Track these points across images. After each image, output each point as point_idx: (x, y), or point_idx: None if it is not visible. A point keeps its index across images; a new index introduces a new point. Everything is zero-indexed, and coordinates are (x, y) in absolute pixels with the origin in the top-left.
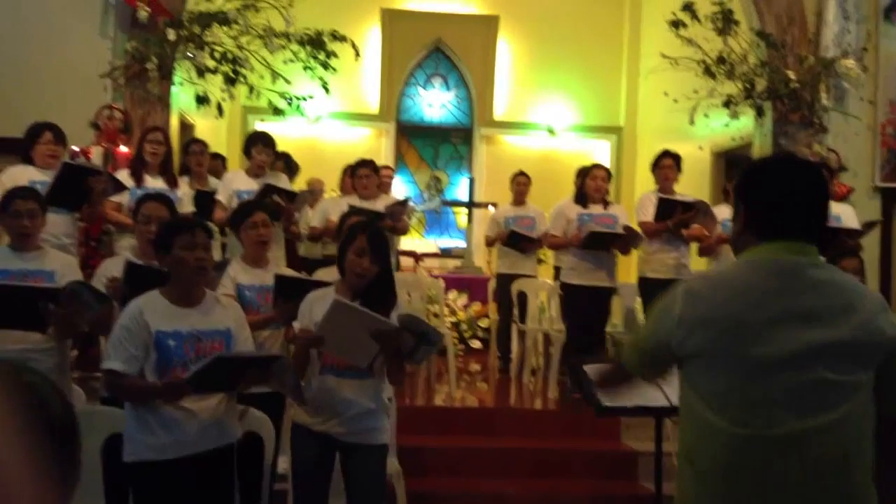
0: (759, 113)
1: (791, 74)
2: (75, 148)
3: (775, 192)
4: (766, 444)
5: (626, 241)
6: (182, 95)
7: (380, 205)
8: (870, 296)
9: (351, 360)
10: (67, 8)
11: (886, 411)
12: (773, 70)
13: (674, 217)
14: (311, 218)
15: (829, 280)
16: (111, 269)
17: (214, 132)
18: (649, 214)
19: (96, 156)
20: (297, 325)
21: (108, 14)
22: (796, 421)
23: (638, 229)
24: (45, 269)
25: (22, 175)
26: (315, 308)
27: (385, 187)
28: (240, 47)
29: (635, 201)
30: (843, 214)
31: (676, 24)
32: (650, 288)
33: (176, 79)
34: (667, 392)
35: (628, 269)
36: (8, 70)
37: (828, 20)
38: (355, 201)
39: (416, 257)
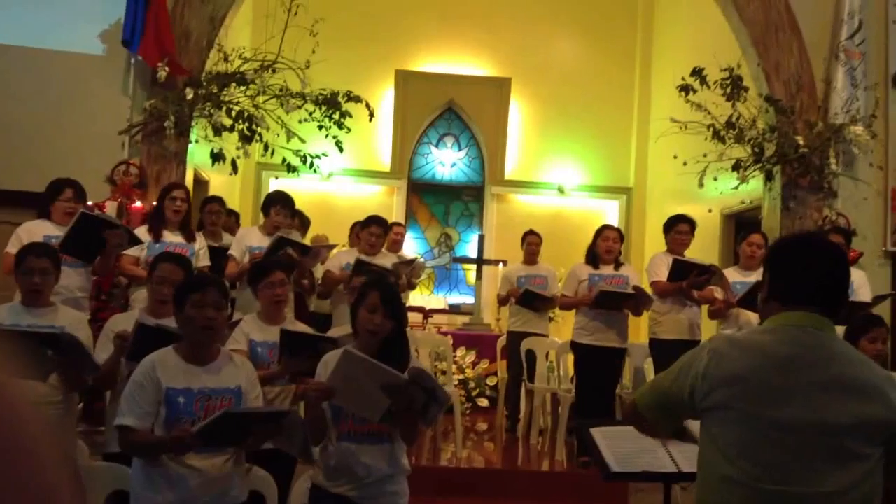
0: (769, 177)
1: (800, 139)
2: (90, 203)
3: (800, 265)
4: (782, 499)
5: (637, 301)
6: (198, 152)
7: (386, 262)
8: (881, 372)
9: (362, 414)
10: (91, 66)
11: (893, 486)
12: (782, 135)
13: (689, 279)
14: (318, 274)
15: (846, 353)
16: (121, 323)
17: (228, 188)
18: (662, 274)
19: (110, 210)
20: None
21: (129, 73)
22: (811, 484)
23: (648, 290)
24: (56, 326)
25: (38, 230)
26: (330, 368)
27: (396, 245)
28: (256, 107)
29: (644, 262)
30: (857, 281)
31: (685, 89)
32: (661, 349)
33: (192, 136)
34: (675, 457)
35: (639, 329)
36: (30, 125)
37: (836, 87)
38: (362, 256)
39: (425, 313)
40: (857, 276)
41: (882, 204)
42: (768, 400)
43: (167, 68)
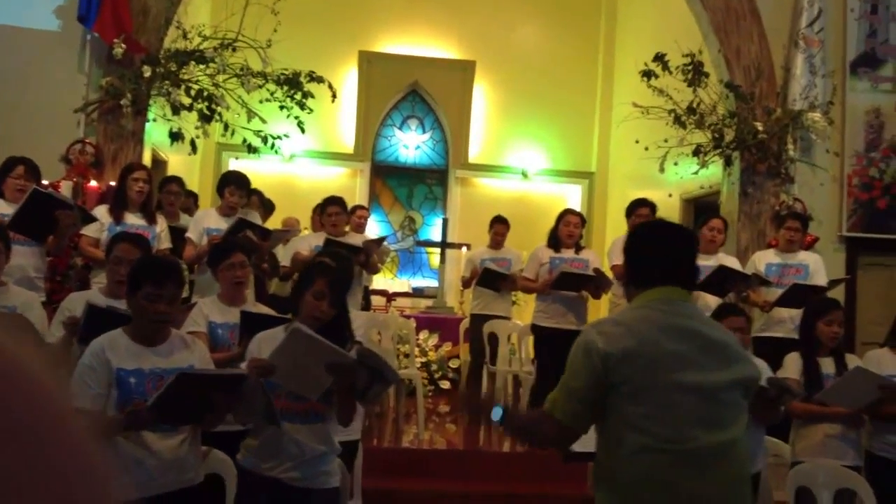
0: (728, 162)
1: (759, 126)
2: (45, 182)
3: (655, 248)
4: (683, 458)
5: (596, 284)
6: (155, 131)
7: (355, 241)
8: (733, 335)
9: (300, 392)
10: (46, 43)
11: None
12: (742, 121)
13: None
14: (283, 257)
15: (709, 320)
16: (76, 303)
17: (187, 168)
18: (622, 258)
19: (65, 189)
20: (243, 365)
21: (84, 50)
22: (714, 437)
23: (609, 274)
24: (7, 305)
25: None
26: (263, 347)
27: (360, 227)
28: (216, 85)
29: (606, 245)
30: (812, 264)
31: (648, 75)
32: None
33: (150, 115)
34: None
35: (598, 313)
36: None
37: (795, 74)
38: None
39: (388, 297)
40: (813, 261)
41: (838, 190)
42: (665, 366)
43: (124, 45)
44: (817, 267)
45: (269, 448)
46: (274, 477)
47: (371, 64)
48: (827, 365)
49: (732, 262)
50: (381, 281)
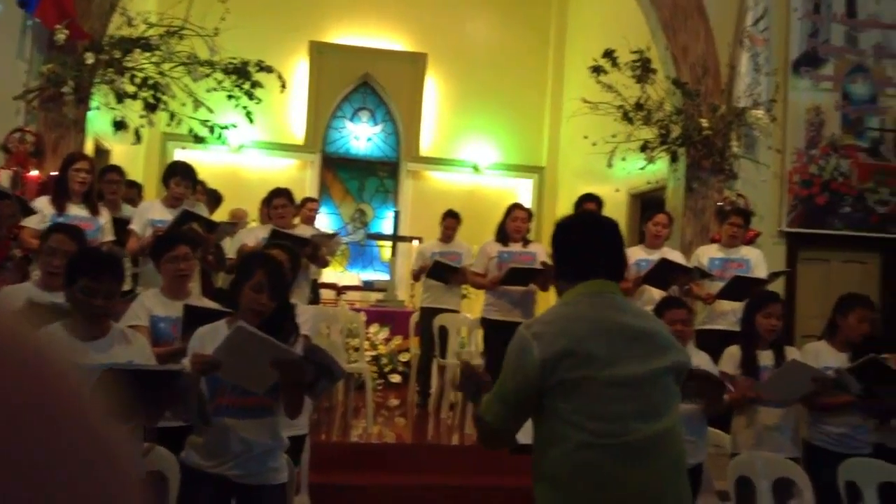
0: (674, 158)
1: (704, 122)
2: None
3: (585, 242)
4: (622, 451)
5: (544, 276)
6: (98, 120)
7: (305, 233)
8: (661, 323)
9: (247, 387)
10: None
11: None
12: (688, 118)
13: None
14: (230, 249)
15: (639, 310)
16: (11, 295)
17: (131, 159)
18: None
19: (4, 179)
20: (185, 361)
21: (25, 35)
22: (650, 427)
23: None
24: None
25: None
26: (206, 343)
27: (310, 220)
28: (161, 74)
29: None
30: (753, 259)
31: (597, 70)
32: None
33: (93, 103)
34: None
35: (546, 305)
36: None
37: (740, 72)
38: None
39: (338, 290)
40: (755, 255)
41: (779, 186)
42: (599, 362)
43: (66, 31)
44: (758, 261)
45: (214, 445)
46: (219, 473)
47: (322, 54)
48: (766, 357)
49: (677, 257)
50: (330, 274)
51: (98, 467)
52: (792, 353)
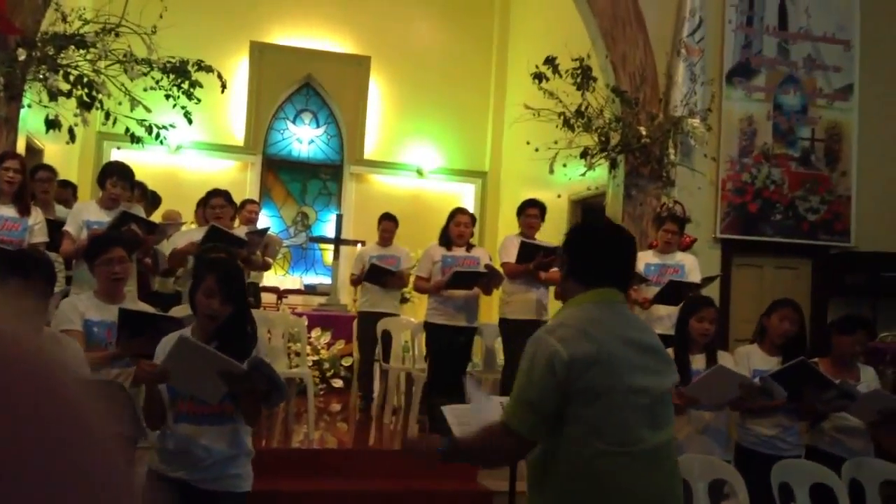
0: (613, 165)
1: (642, 130)
2: None
3: (603, 249)
4: (635, 459)
5: (488, 280)
6: (31, 118)
7: (239, 232)
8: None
9: (201, 396)
10: None
11: None
12: (626, 125)
13: (535, 260)
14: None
15: (643, 323)
16: None
17: (65, 158)
18: (512, 256)
19: None
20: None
21: None
22: (659, 437)
23: (500, 270)
24: None
25: None
26: (168, 349)
27: (250, 222)
28: (97, 72)
29: (498, 243)
30: (688, 264)
31: (539, 77)
32: (510, 328)
33: (25, 101)
34: None
35: (490, 310)
36: None
37: (677, 81)
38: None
39: (280, 294)
40: (689, 261)
41: (714, 193)
42: (621, 370)
43: None
44: (693, 267)
45: (174, 450)
46: (181, 478)
47: (263, 55)
48: (698, 361)
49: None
50: (271, 278)
51: (95, 474)
52: (724, 357)
